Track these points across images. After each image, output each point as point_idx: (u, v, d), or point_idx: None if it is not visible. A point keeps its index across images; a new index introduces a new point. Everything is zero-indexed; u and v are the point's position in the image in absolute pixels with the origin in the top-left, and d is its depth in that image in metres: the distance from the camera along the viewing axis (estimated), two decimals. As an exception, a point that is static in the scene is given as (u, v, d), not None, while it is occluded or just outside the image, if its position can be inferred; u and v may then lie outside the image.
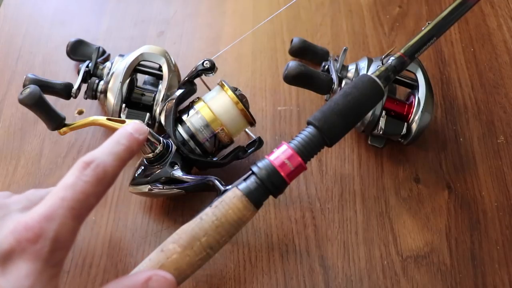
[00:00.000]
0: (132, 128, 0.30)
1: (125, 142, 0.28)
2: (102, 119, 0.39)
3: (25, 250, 0.23)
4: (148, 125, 0.45)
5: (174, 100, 0.43)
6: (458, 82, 0.53)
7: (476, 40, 0.56)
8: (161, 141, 0.41)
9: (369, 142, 0.46)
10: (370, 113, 0.43)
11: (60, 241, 0.24)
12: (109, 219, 0.44)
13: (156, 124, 0.46)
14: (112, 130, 0.39)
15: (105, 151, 0.27)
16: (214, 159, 0.43)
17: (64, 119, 0.40)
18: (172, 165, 0.41)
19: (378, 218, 0.44)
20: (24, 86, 0.42)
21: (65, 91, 0.45)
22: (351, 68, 0.46)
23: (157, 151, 0.40)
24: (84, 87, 0.46)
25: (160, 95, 0.46)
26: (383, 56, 0.41)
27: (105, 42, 0.56)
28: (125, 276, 0.27)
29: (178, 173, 0.40)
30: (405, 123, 0.44)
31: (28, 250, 0.23)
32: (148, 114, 0.45)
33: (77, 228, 0.25)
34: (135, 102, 0.47)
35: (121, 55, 0.48)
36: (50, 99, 0.40)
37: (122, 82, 0.45)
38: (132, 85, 0.48)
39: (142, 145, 0.30)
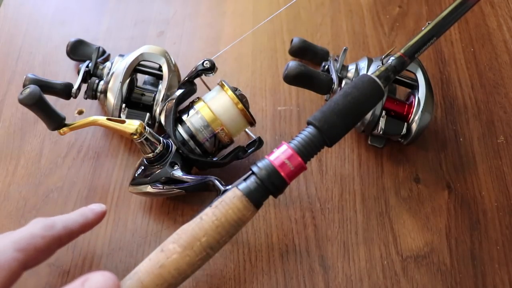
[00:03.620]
0: (92, 205, 0.37)
1: (79, 211, 0.35)
2: (102, 119, 0.39)
3: None
4: (148, 125, 0.45)
5: (174, 100, 0.43)
6: (458, 82, 0.53)
7: (476, 40, 0.56)
8: (161, 141, 0.41)
9: (369, 142, 0.46)
10: (370, 113, 0.43)
11: None
12: (109, 219, 0.44)
13: (156, 124, 0.46)
14: (112, 130, 0.39)
15: (58, 216, 0.34)
16: (214, 159, 0.43)
17: (64, 119, 0.40)
18: (172, 165, 0.41)
19: (378, 218, 0.44)
20: (24, 86, 0.42)
21: (65, 91, 0.45)
22: (351, 68, 0.46)
23: (157, 151, 0.40)
24: (84, 87, 0.46)
25: (160, 95, 0.46)
26: (383, 56, 0.41)
27: (105, 42, 0.56)
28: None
29: (178, 173, 0.40)
30: (405, 123, 0.44)
31: None
32: (148, 114, 0.45)
33: (20, 259, 0.29)
34: (135, 102, 0.47)
35: (121, 55, 0.48)
36: (50, 99, 0.40)
37: (122, 82, 0.45)
38: (132, 85, 0.48)
39: (99, 216, 0.36)
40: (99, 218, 0.37)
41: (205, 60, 0.42)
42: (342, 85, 0.45)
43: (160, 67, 0.47)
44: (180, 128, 0.42)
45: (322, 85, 0.44)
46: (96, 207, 0.37)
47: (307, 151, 0.34)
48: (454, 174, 0.47)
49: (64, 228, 0.33)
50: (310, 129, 0.34)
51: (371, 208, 0.45)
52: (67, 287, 0.28)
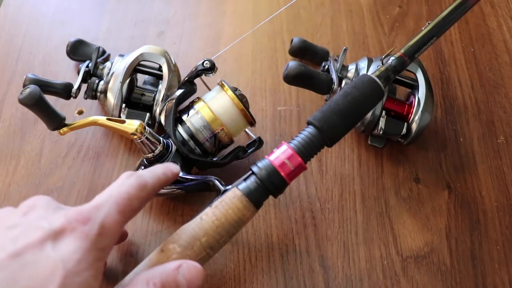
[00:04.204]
0: (168, 164, 0.35)
1: (161, 169, 0.34)
2: (102, 119, 0.39)
3: (75, 229, 0.26)
4: (148, 125, 0.45)
5: (174, 100, 0.43)
6: (458, 82, 0.53)
7: (476, 40, 0.56)
8: (161, 141, 0.41)
9: (369, 142, 0.46)
10: (370, 113, 0.43)
11: (106, 228, 0.27)
12: (109, 219, 0.44)
13: (156, 124, 0.46)
14: (112, 130, 0.39)
15: (145, 170, 0.33)
16: (214, 159, 0.43)
17: (64, 119, 0.40)
18: (172, 165, 0.41)
19: (378, 218, 0.44)
20: (24, 86, 0.42)
21: (65, 91, 0.45)
22: (351, 68, 0.46)
23: (157, 151, 0.40)
24: (84, 87, 0.46)
25: (160, 95, 0.46)
26: (383, 56, 0.41)
27: (105, 42, 0.56)
28: (156, 266, 0.29)
29: (178, 173, 0.40)
30: (405, 123, 0.44)
31: (78, 229, 0.26)
32: (148, 114, 0.45)
33: (121, 222, 0.28)
34: (135, 102, 0.47)
35: (121, 55, 0.48)
36: (50, 99, 0.40)
37: (122, 82, 0.45)
38: (132, 85, 0.48)
39: (175, 176, 0.35)
40: (174, 179, 0.35)
41: (205, 60, 0.42)
42: (342, 85, 0.45)
43: (160, 67, 0.47)
44: (180, 128, 0.42)
45: (322, 85, 0.44)
46: (174, 168, 0.35)
47: (307, 151, 0.34)
48: (454, 174, 0.47)
49: (153, 189, 0.31)
50: (310, 129, 0.34)
51: (371, 208, 0.45)
52: (163, 266, 0.28)
